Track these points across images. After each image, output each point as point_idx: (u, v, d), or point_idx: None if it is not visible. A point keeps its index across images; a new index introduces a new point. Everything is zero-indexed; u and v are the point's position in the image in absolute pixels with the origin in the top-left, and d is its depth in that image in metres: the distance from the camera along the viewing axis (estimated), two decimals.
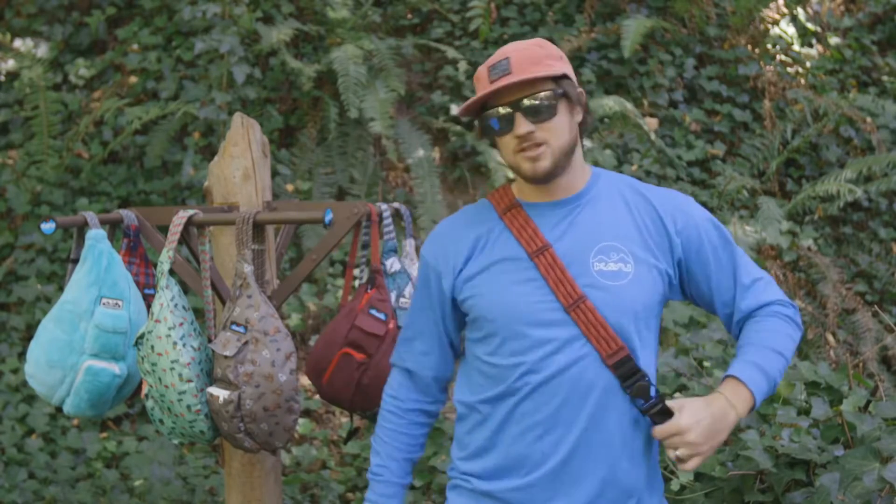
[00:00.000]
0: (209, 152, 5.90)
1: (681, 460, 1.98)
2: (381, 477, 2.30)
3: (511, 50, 2.09)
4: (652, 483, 2.18)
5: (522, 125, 2.04)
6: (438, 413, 2.35)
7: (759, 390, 2.05)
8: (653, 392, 2.06)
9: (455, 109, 6.18)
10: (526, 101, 2.04)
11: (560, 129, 2.07)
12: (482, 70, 2.11)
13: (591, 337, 2.05)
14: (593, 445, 2.08)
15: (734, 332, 2.20)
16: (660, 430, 2.01)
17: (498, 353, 2.12)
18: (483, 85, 2.09)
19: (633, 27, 6.08)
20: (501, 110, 2.07)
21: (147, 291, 3.05)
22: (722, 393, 2.04)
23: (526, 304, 2.08)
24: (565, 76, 2.09)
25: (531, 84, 2.05)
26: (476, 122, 2.16)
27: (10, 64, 6.25)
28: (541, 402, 2.08)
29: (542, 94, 2.05)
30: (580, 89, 2.14)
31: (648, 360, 2.12)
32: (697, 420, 1.98)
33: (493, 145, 2.18)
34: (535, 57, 2.07)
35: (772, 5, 6.74)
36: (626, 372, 2.06)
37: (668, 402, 2.04)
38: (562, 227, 2.12)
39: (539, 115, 2.04)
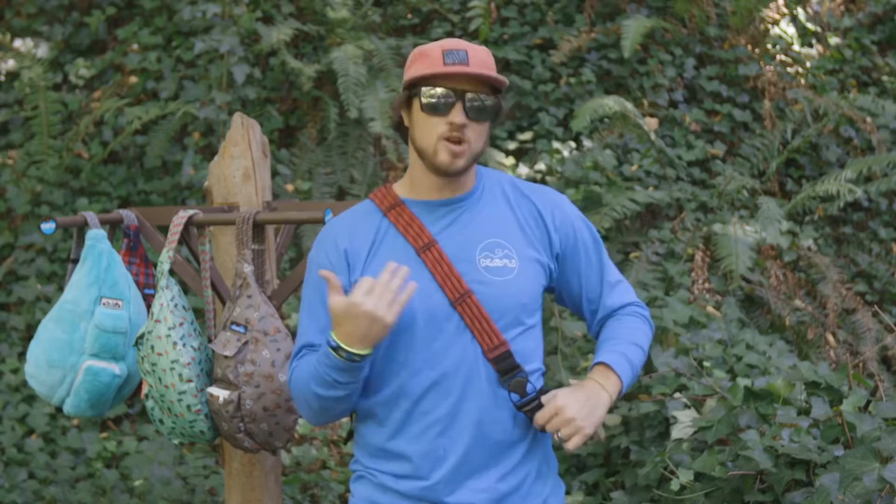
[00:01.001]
0: (209, 152, 5.90)
1: (564, 440, 2.08)
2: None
3: (467, 46, 2.15)
4: (548, 461, 2.28)
5: (460, 115, 2.11)
6: None
7: (624, 375, 2.18)
8: (530, 389, 2.15)
9: None
10: (472, 96, 2.11)
11: (483, 135, 2.17)
12: (433, 49, 2.14)
13: (476, 331, 2.12)
14: (489, 437, 2.15)
15: (594, 330, 2.32)
16: (540, 416, 2.10)
17: (390, 351, 2.14)
18: (433, 62, 2.12)
19: (633, 27, 6.08)
20: (446, 92, 2.10)
21: (147, 291, 3.05)
22: (591, 377, 2.17)
23: (415, 301, 2.11)
24: (501, 92, 2.17)
25: (478, 84, 2.13)
26: (405, 93, 2.17)
27: (10, 64, 6.25)
28: (438, 399, 2.13)
29: (486, 97, 2.13)
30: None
31: (532, 345, 2.20)
32: (571, 399, 2.09)
33: (400, 128, 2.22)
34: (489, 63, 2.16)
35: (772, 5, 6.74)
36: (506, 367, 2.14)
37: (542, 397, 2.14)
38: (446, 224, 2.18)
39: (476, 113, 2.12)
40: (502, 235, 2.18)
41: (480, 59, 2.14)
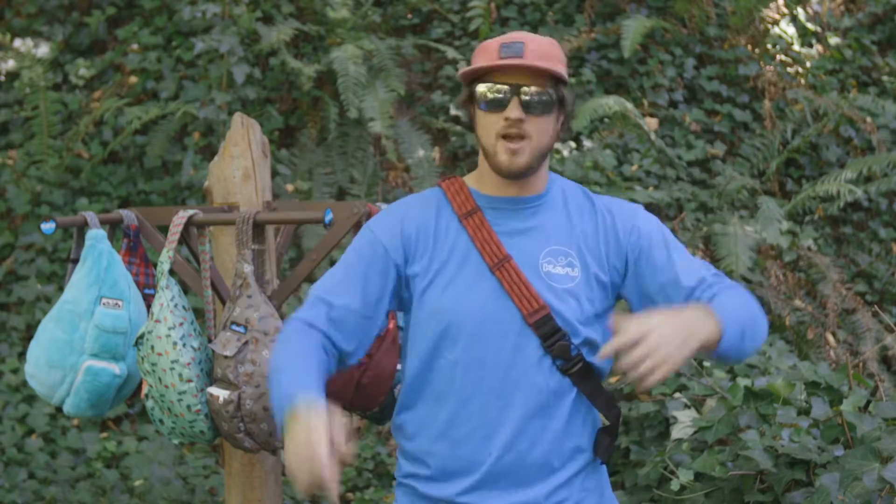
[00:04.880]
0: (209, 152, 5.90)
1: (641, 376, 1.80)
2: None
3: (528, 38, 2.07)
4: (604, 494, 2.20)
5: (516, 110, 2.03)
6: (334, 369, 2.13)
7: (728, 328, 1.94)
8: (574, 352, 2.06)
9: (455, 109, 6.18)
10: (526, 90, 2.03)
11: (546, 129, 2.07)
12: (492, 43, 2.08)
13: (514, 296, 2.05)
14: (535, 447, 2.08)
15: None
16: (623, 336, 1.81)
17: (439, 347, 2.09)
18: (490, 57, 2.06)
19: (633, 27, 6.07)
20: (501, 88, 2.04)
21: (147, 291, 3.05)
22: (690, 307, 1.99)
23: (475, 308, 2.08)
24: (566, 83, 2.09)
25: (536, 76, 2.04)
26: (466, 90, 2.12)
27: (10, 64, 6.25)
28: (485, 400, 2.08)
29: (545, 88, 2.04)
30: (574, 99, 2.15)
31: (599, 366, 2.12)
32: (663, 323, 1.84)
33: (469, 124, 2.17)
34: (548, 53, 2.06)
35: (772, 5, 6.74)
36: (548, 331, 2.05)
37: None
38: (515, 226, 2.11)
39: (534, 107, 2.04)
40: (567, 244, 2.11)
41: (540, 51, 2.05)
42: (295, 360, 2.03)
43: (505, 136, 2.04)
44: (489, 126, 2.06)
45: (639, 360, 1.80)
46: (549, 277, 2.07)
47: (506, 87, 2.03)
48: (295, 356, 2.04)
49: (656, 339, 1.81)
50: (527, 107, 2.03)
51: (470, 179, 2.18)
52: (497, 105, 2.04)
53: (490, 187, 2.13)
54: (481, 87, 2.06)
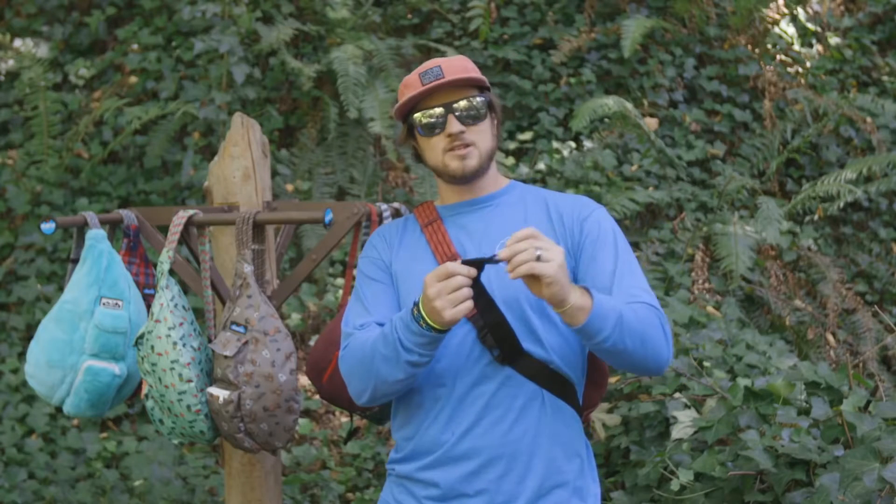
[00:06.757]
0: (209, 152, 5.90)
1: (517, 265, 1.97)
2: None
3: (441, 61, 2.26)
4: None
5: (455, 125, 2.22)
6: None
7: (599, 307, 2.03)
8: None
9: None
10: (458, 104, 2.22)
11: (486, 133, 2.27)
12: (411, 77, 2.27)
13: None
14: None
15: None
16: (516, 234, 1.99)
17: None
18: (413, 88, 2.25)
19: (633, 27, 6.07)
20: (435, 111, 2.22)
21: (147, 291, 3.05)
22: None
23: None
24: (489, 88, 2.28)
25: (462, 90, 2.23)
26: (406, 126, 2.31)
27: (10, 64, 6.25)
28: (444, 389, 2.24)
29: (473, 99, 2.23)
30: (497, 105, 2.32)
31: (554, 341, 2.21)
32: (557, 248, 1.99)
33: (417, 156, 2.34)
34: (464, 67, 2.26)
35: (772, 5, 6.74)
36: (482, 324, 2.17)
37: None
38: (473, 225, 2.28)
39: (469, 117, 2.23)
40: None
41: (457, 67, 2.24)
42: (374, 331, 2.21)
43: (451, 150, 2.23)
44: (434, 147, 2.26)
45: (522, 250, 1.96)
46: (505, 263, 2.16)
47: (439, 108, 2.22)
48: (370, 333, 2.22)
49: (544, 243, 1.97)
50: (462, 120, 2.22)
51: (437, 201, 2.38)
52: (436, 127, 2.23)
53: (450, 198, 2.33)
54: (417, 116, 2.25)
